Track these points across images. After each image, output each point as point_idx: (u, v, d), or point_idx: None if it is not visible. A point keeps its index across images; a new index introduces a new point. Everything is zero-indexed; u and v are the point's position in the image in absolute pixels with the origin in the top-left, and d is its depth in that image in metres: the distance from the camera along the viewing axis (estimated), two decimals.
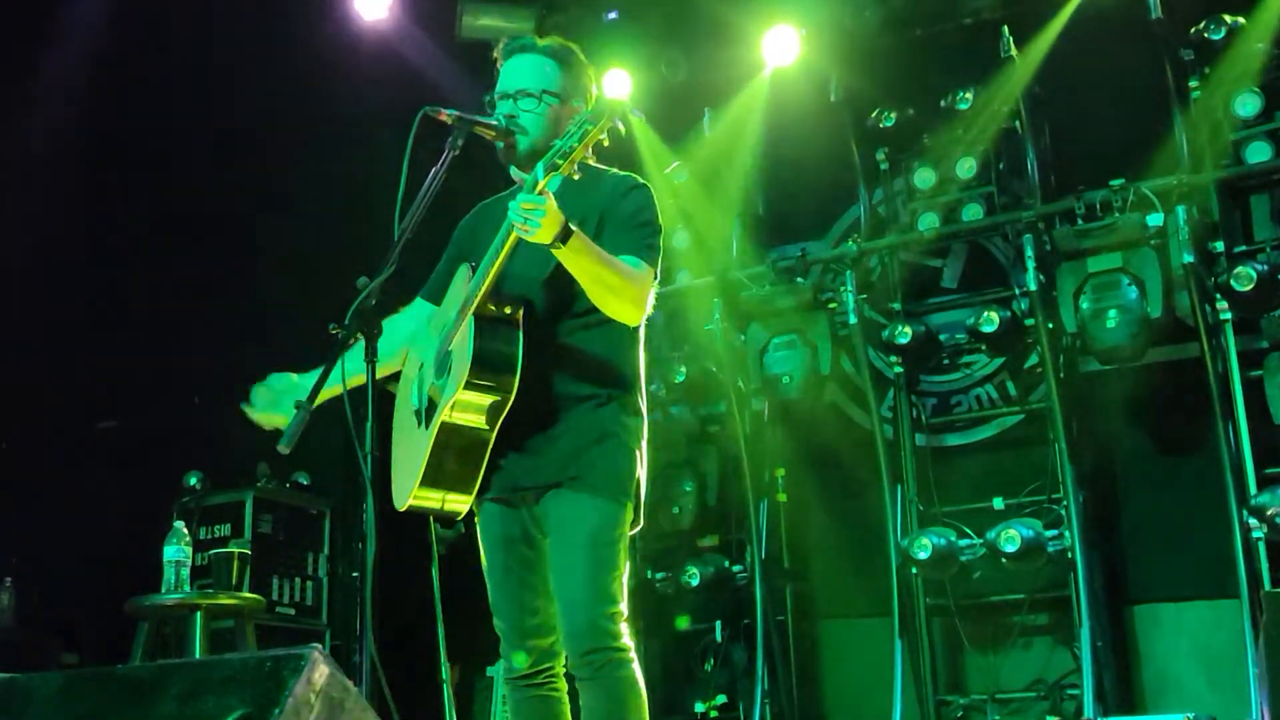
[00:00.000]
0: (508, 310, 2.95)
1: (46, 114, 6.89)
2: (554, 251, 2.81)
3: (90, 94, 7.02)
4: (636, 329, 3.14)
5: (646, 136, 7.17)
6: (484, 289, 2.92)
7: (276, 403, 3.19)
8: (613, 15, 7.21)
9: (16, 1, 6.79)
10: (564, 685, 3.12)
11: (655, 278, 3.05)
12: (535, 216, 2.73)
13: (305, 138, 7.29)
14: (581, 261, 2.85)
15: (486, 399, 2.90)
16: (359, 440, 2.82)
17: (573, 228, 2.80)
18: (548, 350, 3.02)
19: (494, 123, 3.07)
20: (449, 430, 2.92)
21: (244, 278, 7.49)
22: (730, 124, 7.12)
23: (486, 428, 2.92)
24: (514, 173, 3.15)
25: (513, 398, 2.90)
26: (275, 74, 7.00)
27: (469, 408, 2.91)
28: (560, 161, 2.75)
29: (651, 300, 3.05)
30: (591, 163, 3.23)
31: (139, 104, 7.19)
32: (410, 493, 3.00)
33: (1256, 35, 5.93)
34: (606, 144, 2.79)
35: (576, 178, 2.81)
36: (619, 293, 2.93)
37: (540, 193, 2.74)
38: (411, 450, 3.07)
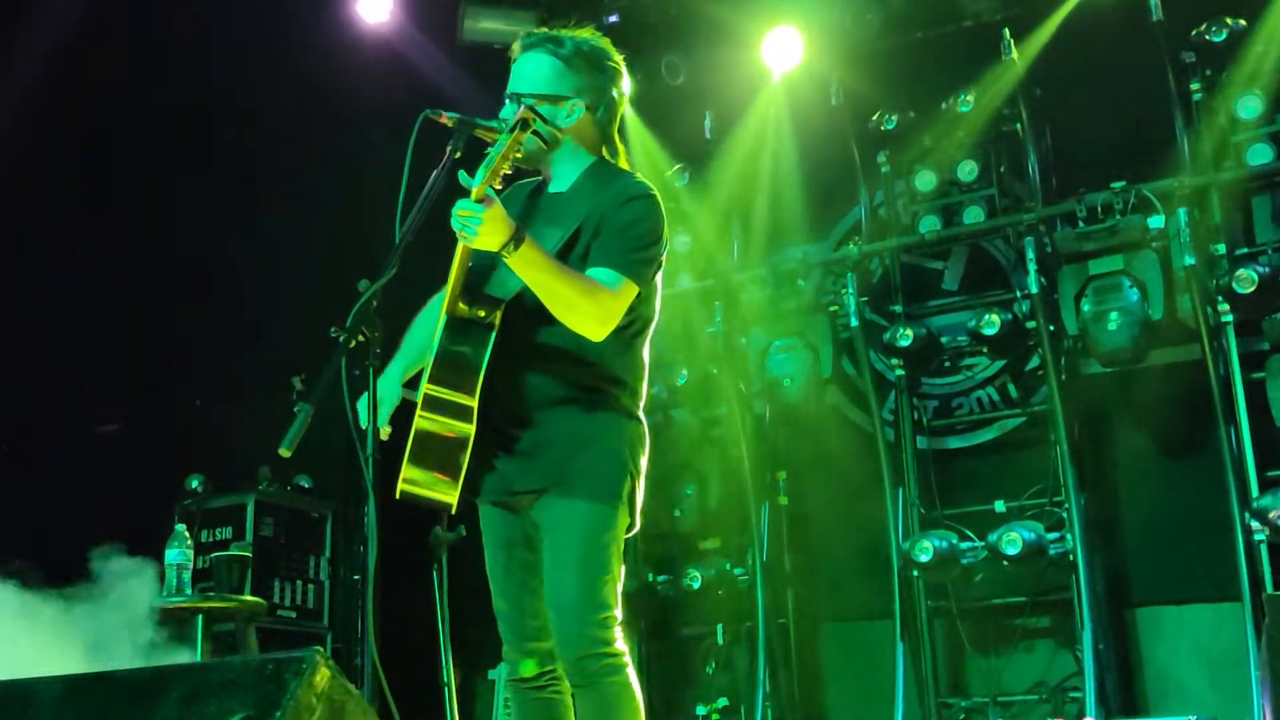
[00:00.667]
0: (481, 313, 2.94)
1: (43, 116, 6.89)
2: (504, 259, 2.81)
3: (88, 96, 7.02)
4: (636, 333, 3.12)
5: (643, 138, 7.17)
6: (450, 290, 2.92)
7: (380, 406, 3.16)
8: (613, 18, 7.22)
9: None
10: (567, 687, 3.11)
11: (639, 290, 2.99)
12: (471, 224, 2.74)
13: (306, 141, 7.29)
14: (531, 273, 2.84)
15: (451, 398, 2.89)
16: (360, 443, 2.81)
17: (525, 237, 2.79)
18: (537, 352, 3.00)
19: (494, 126, 3.06)
20: (424, 426, 2.92)
21: (245, 280, 7.49)
22: (737, 130, 7.11)
23: (458, 427, 2.91)
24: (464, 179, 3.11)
25: (477, 399, 2.89)
26: (277, 78, 7.01)
27: (435, 406, 2.90)
28: (484, 173, 2.75)
29: (637, 311, 3.02)
30: (623, 164, 3.24)
31: (139, 106, 7.19)
32: (399, 481, 3.00)
33: (1258, 37, 5.93)
34: (520, 155, 2.82)
35: (499, 187, 2.82)
36: (573, 308, 2.89)
37: (479, 200, 2.74)
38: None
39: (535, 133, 2.90)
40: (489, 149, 2.83)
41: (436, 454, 2.93)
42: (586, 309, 2.91)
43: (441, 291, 3.28)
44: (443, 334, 2.92)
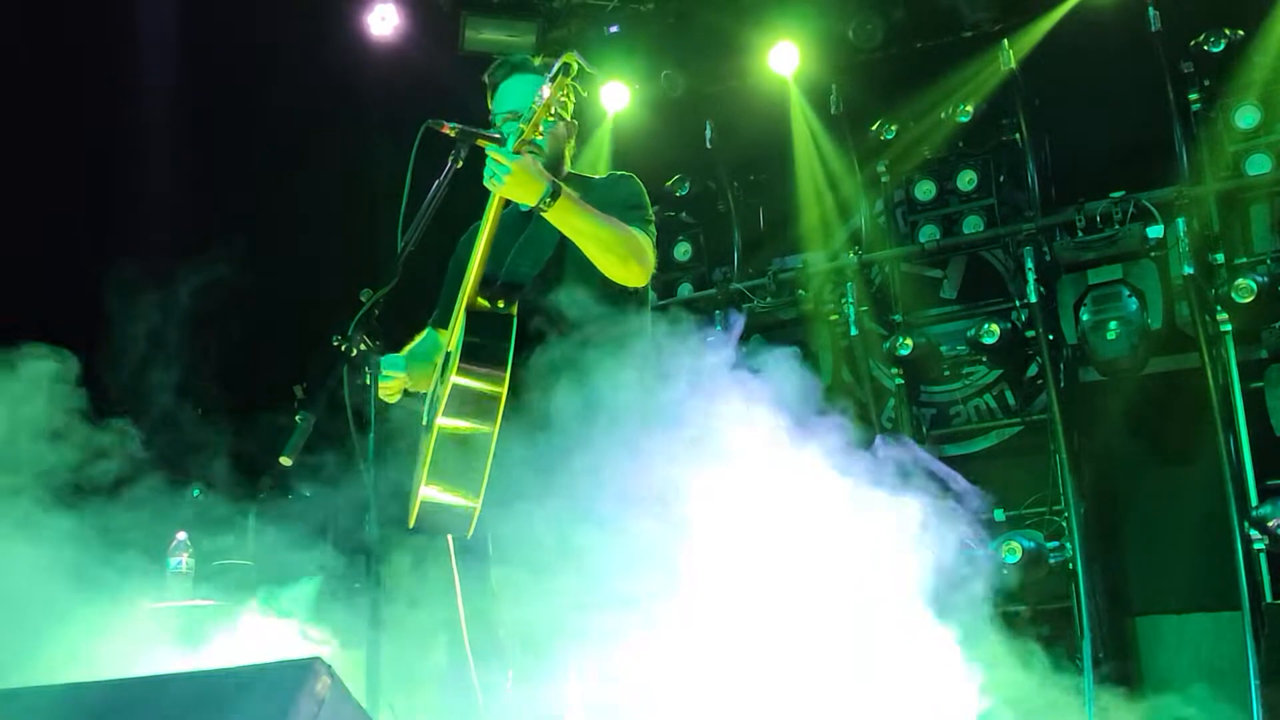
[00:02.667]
0: (501, 305, 2.96)
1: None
2: (544, 213, 2.86)
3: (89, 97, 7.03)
4: (640, 330, 3.13)
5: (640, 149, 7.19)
6: (473, 278, 2.94)
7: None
8: (614, 29, 7.24)
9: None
10: None
11: (653, 249, 3.10)
12: (500, 172, 2.81)
13: (310, 149, 7.31)
14: (571, 221, 2.91)
15: (478, 392, 2.89)
16: (362, 451, 2.81)
17: (561, 186, 2.85)
18: (548, 349, 3.02)
19: (497, 136, 3.08)
20: (448, 425, 2.89)
21: (247, 288, 7.49)
22: (739, 138, 7.13)
23: (484, 422, 2.89)
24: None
25: (504, 390, 2.89)
26: (282, 87, 7.02)
27: (462, 399, 2.88)
28: (524, 126, 2.85)
29: (651, 263, 3.10)
30: (585, 173, 3.29)
31: (142, 112, 7.21)
32: (416, 499, 2.95)
33: (1256, 48, 5.95)
34: (552, 114, 2.87)
35: (532, 154, 2.87)
36: (613, 251, 2.97)
37: (517, 151, 2.81)
38: (419, 462, 3.05)
39: (574, 81, 2.91)
40: (530, 103, 2.86)
41: (456, 459, 2.89)
42: (625, 250, 2.98)
43: (434, 315, 3.31)
44: (463, 328, 2.92)
